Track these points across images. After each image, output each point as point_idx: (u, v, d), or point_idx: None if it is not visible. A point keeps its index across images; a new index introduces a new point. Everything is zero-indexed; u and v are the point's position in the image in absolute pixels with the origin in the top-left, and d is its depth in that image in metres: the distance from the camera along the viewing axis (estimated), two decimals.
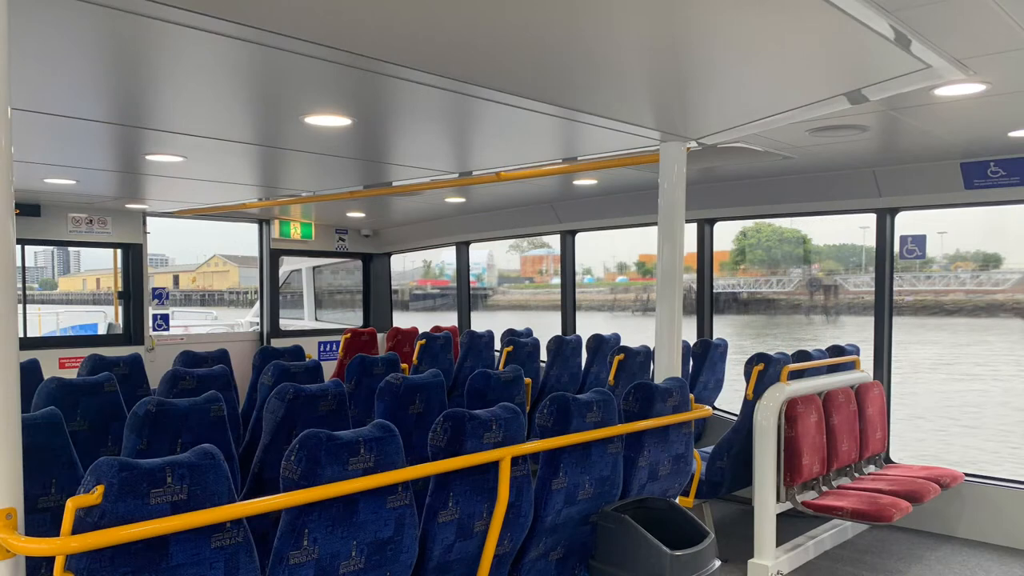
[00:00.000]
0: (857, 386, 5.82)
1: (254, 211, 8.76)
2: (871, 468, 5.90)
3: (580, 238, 8.50)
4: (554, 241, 8.62)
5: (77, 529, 2.12)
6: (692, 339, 6.74)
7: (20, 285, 9.30)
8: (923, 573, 4.98)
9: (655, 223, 4.78)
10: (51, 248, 52.56)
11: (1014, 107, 4.12)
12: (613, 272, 47.85)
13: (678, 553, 3.43)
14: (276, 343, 9.21)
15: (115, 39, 2.91)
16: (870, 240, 6.30)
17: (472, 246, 9.73)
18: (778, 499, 4.99)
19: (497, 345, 7.78)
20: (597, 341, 7.18)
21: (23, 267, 9.36)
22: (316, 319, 12.21)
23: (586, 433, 3.53)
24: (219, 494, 2.37)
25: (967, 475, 5.65)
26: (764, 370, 5.36)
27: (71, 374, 5.52)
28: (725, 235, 43.36)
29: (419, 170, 5.94)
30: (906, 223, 6.14)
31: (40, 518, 3.06)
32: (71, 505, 2.11)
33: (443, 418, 3.13)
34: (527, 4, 2.58)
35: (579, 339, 7.29)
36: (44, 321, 22.31)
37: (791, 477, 5.02)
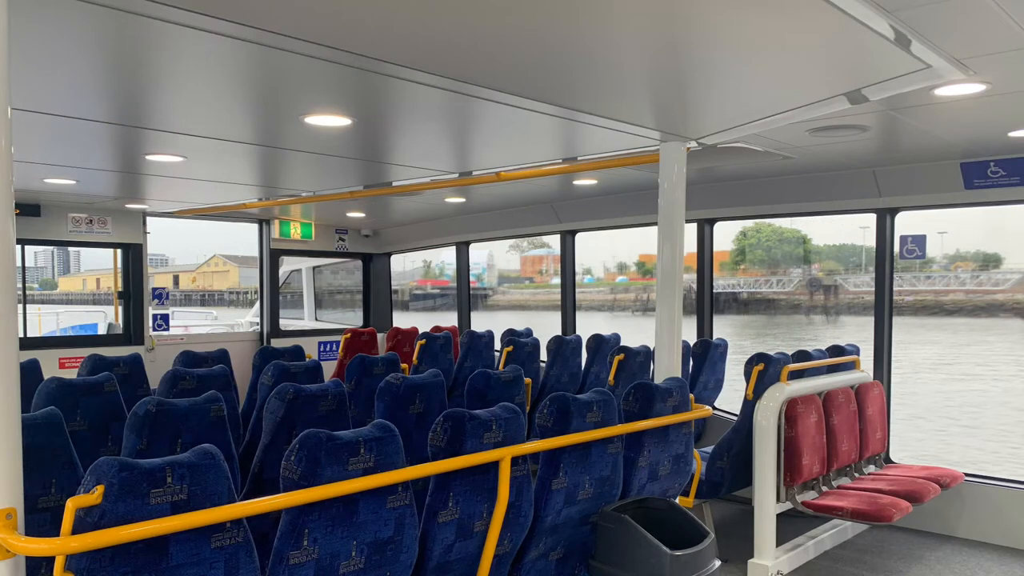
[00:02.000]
0: (857, 386, 5.81)
1: (254, 211, 8.77)
2: (871, 468, 5.90)
3: (580, 238, 8.50)
4: (554, 241, 8.62)
5: (77, 529, 2.12)
6: (692, 339, 6.74)
7: (20, 285, 9.30)
8: (923, 573, 4.98)
9: (655, 223, 4.78)
10: (51, 248, 52.57)
11: (1014, 107, 4.12)
12: (613, 272, 47.89)
13: (678, 553, 3.43)
14: (276, 343, 9.21)
15: (115, 39, 2.91)
16: (870, 240, 6.30)
17: (472, 246, 9.73)
18: (778, 499, 4.99)
19: (497, 345, 7.78)
20: (597, 341, 7.18)
21: (23, 267, 9.36)
22: (316, 319, 12.21)
23: (586, 433, 3.52)
24: (219, 494, 2.37)
25: (967, 475, 5.65)
26: (764, 370, 5.36)
27: (71, 374, 5.52)
28: (725, 235, 43.40)
29: (419, 170, 5.94)
30: (906, 223, 6.15)
31: (40, 518, 3.06)
32: (71, 505, 2.11)
33: (443, 418, 3.13)
34: (527, 4, 2.58)
35: (579, 339, 7.29)
36: (44, 321, 22.32)
37: (791, 477, 5.02)
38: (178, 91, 3.66)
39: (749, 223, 37.06)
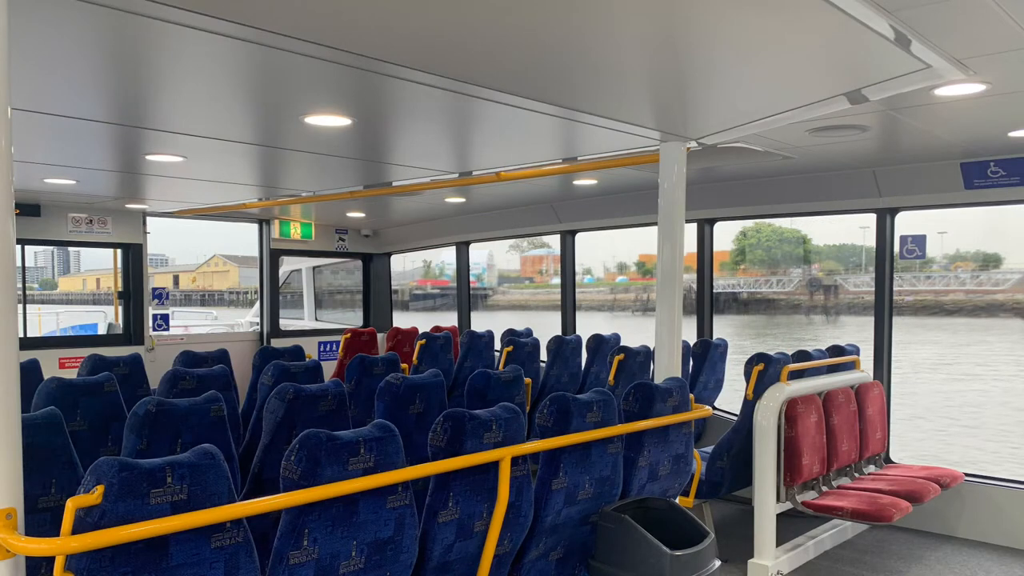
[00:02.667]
0: (857, 386, 5.81)
1: (254, 211, 8.77)
2: (871, 468, 5.90)
3: (580, 238, 8.51)
4: (554, 241, 8.62)
5: (77, 529, 2.12)
6: (692, 339, 6.74)
7: (20, 285, 9.30)
8: (923, 573, 4.98)
9: (655, 223, 4.78)
10: (51, 248, 52.55)
11: (1014, 107, 4.12)
12: (613, 272, 47.91)
13: (678, 553, 3.43)
14: (276, 343, 9.21)
15: (115, 39, 2.91)
16: (870, 240, 6.30)
17: (472, 246, 9.73)
18: (778, 499, 4.99)
19: (497, 345, 7.78)
20: (597, 341, 7.18)
21: (23, 267, 9.36)
22: (316, 319, 12.21)
23: (586, 433, 3.52)
24: (219, 494, 2.37)
25: (967, 475, 5.65)
26: (764, 370, 5.36)
27: (71, 374, 5.52)
28: (725, 235, 43.43)
29: (419, 170, 5.94)
30: (906, 223, 6.15)
31: (40, 518, 3.06)
32: (71, 505, 2.11)
33: (443, 418, 3.13)
34: (527, 4, 2.58)
35: (579, 339, 7.29)
36: (44, 321, 22.33)
37: (791, 477, 5.02)
38: (178, 91, 3.66)
39: (749, 223, 37.09)
